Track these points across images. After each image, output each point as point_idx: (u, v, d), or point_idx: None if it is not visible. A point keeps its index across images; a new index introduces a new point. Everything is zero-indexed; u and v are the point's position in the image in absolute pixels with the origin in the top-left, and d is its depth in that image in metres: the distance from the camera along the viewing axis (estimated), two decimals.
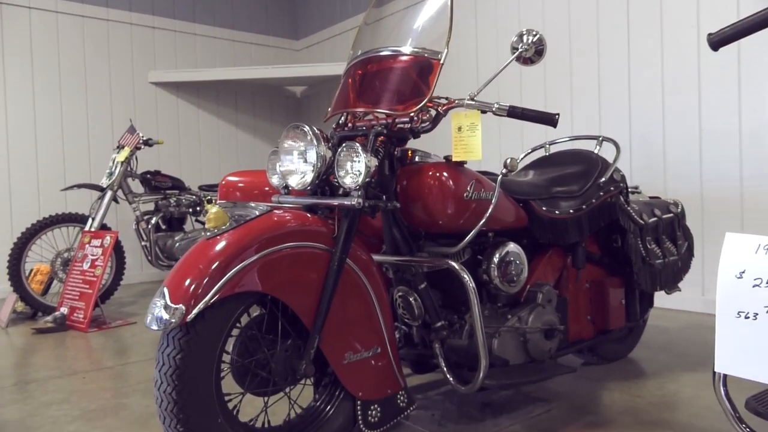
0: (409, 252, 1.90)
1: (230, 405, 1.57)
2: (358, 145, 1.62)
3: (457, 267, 1.78)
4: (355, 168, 1.63)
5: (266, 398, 1.68)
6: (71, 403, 2.38)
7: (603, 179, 2.34)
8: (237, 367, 1.58)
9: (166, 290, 1.43)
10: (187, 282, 1.43)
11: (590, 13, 4.09)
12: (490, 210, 1.87)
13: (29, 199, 5.16)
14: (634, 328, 2.67)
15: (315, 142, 1.65)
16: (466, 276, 1.77)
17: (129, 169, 4.34)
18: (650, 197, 2.75)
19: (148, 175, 4.57)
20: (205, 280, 1.43)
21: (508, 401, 2.21)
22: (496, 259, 1.99)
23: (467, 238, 1.84)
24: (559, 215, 2.21)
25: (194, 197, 4.65)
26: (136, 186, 4.67)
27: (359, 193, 1.64)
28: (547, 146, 2.68)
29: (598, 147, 2.52)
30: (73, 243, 4.23)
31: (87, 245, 3.92)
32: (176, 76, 5.88)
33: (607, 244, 2.49)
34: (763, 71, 3.33)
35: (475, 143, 1.77)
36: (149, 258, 4.44)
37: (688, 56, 3.62)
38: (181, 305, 1.39)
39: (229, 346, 1.56)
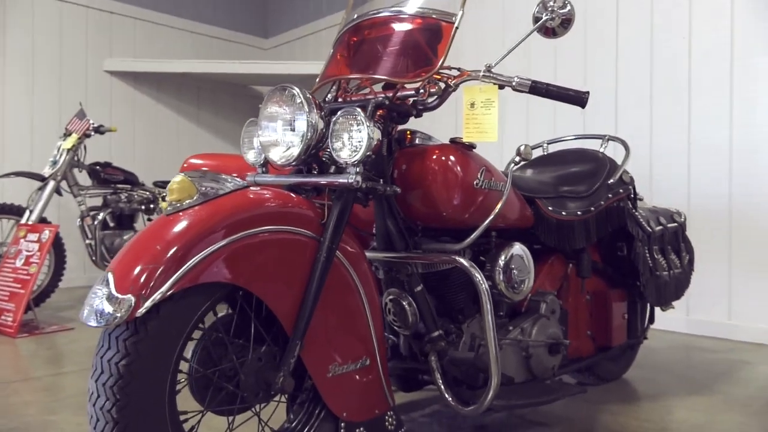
0: (404, 248, 1.63)
1: (186, 426, 1.25)
2: (359, 110, 1.35)
3: (467, 264, 1.51)
4: (355, 139, 1.35)
5: (231, 418, 1.36)
6: None
7: (611, 180, 2.14)
8: (197, 378, 1.26)
9: (110, 276, 1.11)
10: (139, 267, 1.11)
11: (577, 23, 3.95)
12: (501, 202, 1.63)
13: None
14: (634, 346, 2.46)
15: (306, 107, 1.37)
16: (478, 275, 1.50)
17: (76, 158, 3.93)
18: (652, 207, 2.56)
19: (98, 167, 4.16)
20: (162, 266, 1.11)
21: (504, 425, 1.94)
22: (501, 262, 1.74)
23: (475, 233, 1.59)
24: (566, 217, 1.98)
25: (148, 194, 4.26)
26: (83, 178, 4.24)
27: (357, 170, 1.36)
28: (546, 145, 2.47)
29: (603, 146, 2.32)
30: (6, 237, 3.78)
31: (22, 240, 3.49)
32: (134, 65, 5.48)
33: (610, 253, 2.28)
34: (754, 84, 3.23)
35: (490, 122, 1.52)
36: (93, 258, 4.02)
37: (679, 66, 3.51)
38: (129, 296, 1.07)
39: (188, 353, 1.25)
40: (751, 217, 3.26)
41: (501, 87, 1.53)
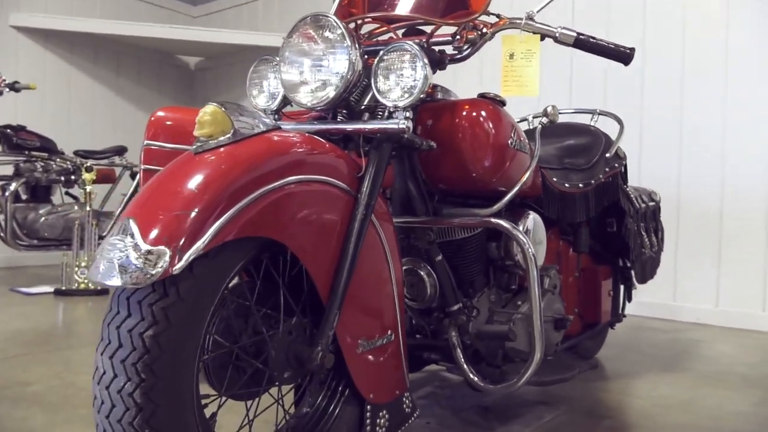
0: (426, 213, 1.48)
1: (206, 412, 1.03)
2: (415, 45, 1.17)
3: (509, 227, 1.39)
4: (406, 79, 1.17)
5: (251, 402, 1.15)
6: None
7: (608, 155, 2.10)
8: (216, 356, 1.05)
9: (133, 224, 0.88)
10: (171, 214, 0.88)
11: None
12: (533, 164, 1.51)
13: None
14: (613, 324, 2.46)
15: (348, 40, 1.17)
16: (523, 239, 1.38)
17: None
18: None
19: (9, 130, 3.64)
20: (199, 214, 0.89)
21: (508, 405, 1.85)
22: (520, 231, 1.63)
23: (508, 195, 1.46)
24: (569, 189, 1.91)
25: (68, 163, 3.80)
26: None
27: (407, 114, 1.18)
28: (530, 119, 2.40)
29: (594, 120, 2.28)
30: None
31: None
32: (45, 22, 4.89)
33: (598, 229, 2.24)
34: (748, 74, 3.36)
35: (531, 75, 1.40)
36: (2, 235, 3.52)
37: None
38: (163, 248, 0.85)
39: None
40: (697, 203, 3.39)
41: (542, 38, 1.41)
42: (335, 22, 1.17)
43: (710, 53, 3.33)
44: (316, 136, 1.15)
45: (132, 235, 0.86)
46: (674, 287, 3.47)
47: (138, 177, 4.41)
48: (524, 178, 1.49)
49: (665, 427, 1.72)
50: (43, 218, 3.56)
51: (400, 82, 1.18)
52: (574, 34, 1.39)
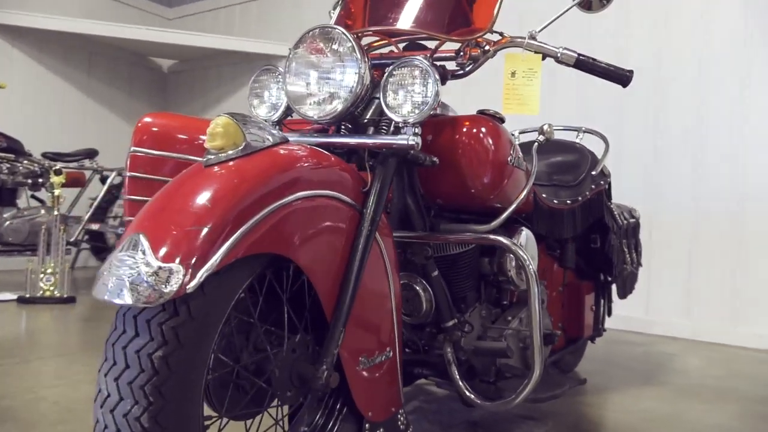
0: (423, 228, 1.47)
1: None
2: (424, 60, 1.17)
3: (509, 243, 1.39)
4: (416, 94, 1.16)
5: (249, 422, 1.12)
6: None
7: (594, 172, 2.13)
8: (217, 375, 1.01)
9: (143, 239, 0.84)
10: (184, 229, 0.85)
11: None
12: (531, 182, 1.52)
13: None
14: (594, 338, 2.48)
15: (357, 53, 1.16)
16: (524, 255, 1.38)
17: None
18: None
19: None
20: (212, 230, 0.86)
21: (496, 421, 1.85)
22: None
23: (506, 212, 1.47)
24: (557, 205, 1.93)
25: (35, 166, 3.67)
26: None
27: (415, 130, 1.18)
28: (517, 135, 2.42)
29: (579, 137, 2.32)
30: None
31: None
32: (14, 18, 4.73)
33: (582, 245, 2.27)
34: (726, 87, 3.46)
35: (532, 94, 1.41)
36: None
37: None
38: (177, 265, 0.81)
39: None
40: (669, 219, 3.48)
41: (543, 57, 1.42)
42: (345, 34, 1.16)
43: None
44: (322, 150, 1.13)
45: (143, 251, 0.82)
46: (647, 301, 3.55)
47: (109, 181, 4.30)
48: (522, 195, 1.50)
49: None
50: (7, 222, 3.43)
51: (410, 97, 1.17)
52: (575, 55, 1.40)
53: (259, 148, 0.99)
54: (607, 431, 1.83)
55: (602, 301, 2.39)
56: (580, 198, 2.02)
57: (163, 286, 0.80)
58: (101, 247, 4.50)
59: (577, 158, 2.14)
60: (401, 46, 1.50)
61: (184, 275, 0.81)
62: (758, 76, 3.25)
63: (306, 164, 1.05)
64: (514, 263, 1.63)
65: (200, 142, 1.85)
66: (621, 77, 1.43)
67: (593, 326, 2.34)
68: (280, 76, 1.31)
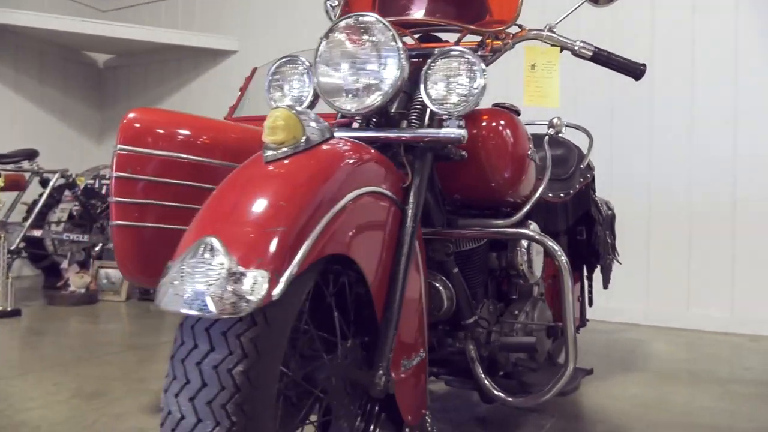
0: (442, 224, 1.44)
1: None
2: (469, 51, 1.13)
3: (540, 238, 1.38)
4: (461, 86, 1.12)
5: None
6: None
7: (582, 165, 2.17)
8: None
9: (218, 243, 0.76)
10: (263, 230, 0.78)
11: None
12: (547, 174, 1.52)
13: None
14: (578, 329, 2.54)
15: (399, 44, 1.10)
16: (556, 248, 1.37)
17: None
18: None
19: None
20: (289, 230, 0.79)
21: (503, 415, 1.85)
22: (525, 242, 1.63)
23: (527, 205, 1.47)
24: (552, 198, 1.95)
25: None
26: None
27: (460, 123, 1.14)
28: None
29: (562, 132, 2.35)
30: None
31: None
32: None
33: (569, 237, 2.31)
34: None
35: (552, 86, 1.41)
36: None
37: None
38: (261, 270, 0.74)
39: None
40: (629, 208, 3.61)
41: (562, 49, 1.42)
42: (385, 24, 1.10)
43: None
44: (366, 145, 1.07)
45: (220, 256, 0.74)
46: (609, 290, 3.67)
47: (51, 184, 3.99)
48: (542, 188, 1.49)
49: (657, 426, 1.79)
50: None
51: (454, 89, 1.13)
52: (593, 48, 1.41)
53: (316, 142, 0.93)
54: (609, 419, 1.87)
55: (584, 292, 2.44)
56: (571, 191, 2.05)
57: (249, 294, 0.72)
58: (40, 255, 4.19)
59: (565, 152, 2.17)
60: (416, 36, 1.45)
61: (269, 281, 0.74)
62: (750, 66, 3.35)
63: (361, 161, 0.99)
64: (525, 257, 1.63)
65: (191, 139, 1.74)
66: (635, 71, 1.45)
67: (579, 317, 2.39)
68: (304, 67, 1.24)
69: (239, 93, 2.40)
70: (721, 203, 3.43)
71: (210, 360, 0.75)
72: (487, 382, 1.45)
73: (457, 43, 1.35)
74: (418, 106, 1.26)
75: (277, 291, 0.74)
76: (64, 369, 2.25)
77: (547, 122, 1.83)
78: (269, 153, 0.89)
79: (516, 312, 1.74)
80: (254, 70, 2.48)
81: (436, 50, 1.16)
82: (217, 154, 1.67)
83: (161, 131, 1.66)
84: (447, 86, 1.13)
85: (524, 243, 1.63)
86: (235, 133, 1.77)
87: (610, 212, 2.48)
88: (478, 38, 1.39)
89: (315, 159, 0.90)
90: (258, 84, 2.43)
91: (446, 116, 1.14)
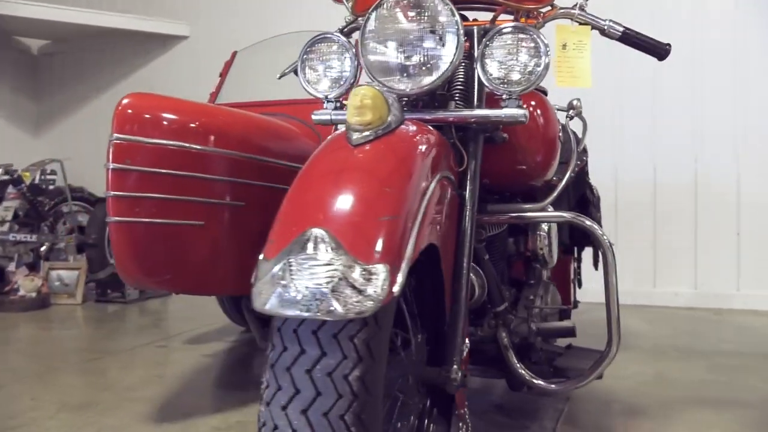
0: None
1: None
2: (532, 27, 1.08)
3: (587, 223, 1.35)
4: (522, 63, 1.07)
5: None
6: None
7: (579, 149, 2.17)
8: None
9: (326, 234, 0.67)
10: (374, 220, 0.70)
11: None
12: (575, 158, 1.50)
13: None
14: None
15: (456, 17, 1.03)
16: (599, 231, 1.35)
17: None
18: None
19: None
20: (400, 219, 0.72)
21: (520, 402, 1.83)
22: (545, 226, 1.61)
23: (559, 188, 1.46)
24: (556, 182, 1.94)
25: None
26: None
27: (520, 102, 1.09)
28: None
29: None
30: None
31: None
32: None
33: None
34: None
35: (584, 66, 1.38)
36: None
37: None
38: (382, 264, 0.66)
39: None
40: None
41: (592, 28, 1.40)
42: None
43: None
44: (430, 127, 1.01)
45: (333, 250, 0.66)
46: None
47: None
48: (570, 171, 1.47)
49: (668, 404, 1.83)
50: None
51: (514, 67, 1.08)
52: (622, 29, 1.39)
53: (397, 124, 0.85)
54: (621, 398, 1.89)
55: (576, 275, 2.47)
56: (572, 174, 2.05)
57: (373, 291, 0.65)
58: None
59: (564, 136, 2.17)
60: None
61: (389, 276, 0.66)
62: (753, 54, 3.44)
63: (434, 144, 0.93)
64: (546, 241, 1.61)
65: (193, 126, 1.60)
66: (660, 51, 1.44)
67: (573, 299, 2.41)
68: (340, 45, 1.15)
69: (219, 78, 2.26)
70: (684, 188, 3.56)
71: (322, 366, 0.67)
72: (523, 370, 1.42)
73: (493, 20, 1.29)
74: (460, 86, 1.20)
75: (397, 287, 0.67)
76: (38, 380, 2.06)
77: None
78: (356, 136, 0.80)
79: (531, 297, 1.72)
80: (234, 53, 2.34)
81: (496, 27, 1.10)
82: (222, 143, 1.56)
83: (160, 118, 1.53)
84: (507, 64, 1.08)
85: (545, 227, 1.62)
86: (241, 120, 1.65)
87: (597, 196, 2.52)
88: (510, 17, 1.35)
89: (402, 142, 0.83)
90: (238, 69, 2.30)
91: (506, 96, 1.09)
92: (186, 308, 3.37)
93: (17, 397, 1.90)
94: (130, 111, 1.49)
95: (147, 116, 1.50)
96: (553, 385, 1.39)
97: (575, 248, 2.44)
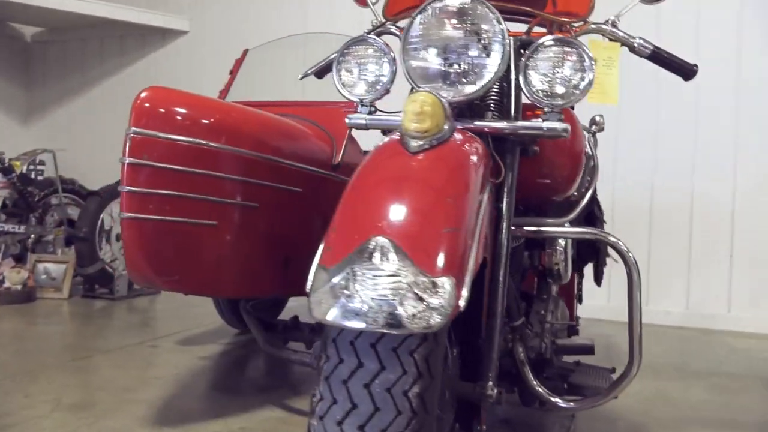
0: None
1: None
2: (579, 41, 1.07)
3: (613, 239, 1.34)
4: (566, 76, 1.06)
5: None
6: None
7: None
8: None
9: (391, 244, 0.65)
10: (439, 231, 0.68)
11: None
12: (598, 171, 1.50)
13: None
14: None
15: (501, 24, 1.02)
16: (624, 247, 1.34)
17: None
18: None
19: None
20: (462, 231, 0.71)
21: (526, 416, 1.82)
22: (562, 242, 1.60)
23: (583, 202, 1.44)
24: (575, 197, 1.94)
25: None
26: None
27: (561, 116, 1.08)
28: None
29: None
30: None
31: None
32: None
33: None
34: None
35: (612, 84, 1.38)
36: None
37: None
38: (449, 278, 0.64)
39: None
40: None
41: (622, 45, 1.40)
42: (488, 7, 1.02)
43: None
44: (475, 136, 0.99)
45: (398, 261, 0.64)
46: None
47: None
48: (593, 187, 1.47)
49: (678, 422, 1.84)
50: None
51: (557, 80, 1.06)
52: (651, 47, 1.39)
53: (451, 133, 0.84)
54: (626, 415, 1.89)
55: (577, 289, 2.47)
56: (594, 191, 2.05)
57: (439, 304, 0.62)
58: None
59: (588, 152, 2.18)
60: None
61: (455, 290, 0.64)
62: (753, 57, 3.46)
63: (482, 155, 0.91)
64: (562, 257, 1.61)
65: (214, 124, 1.56)
66: (687, 71, 1.45)
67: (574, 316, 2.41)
68: (377, 49, 1.13)
69: (229, 76, 2.22)
70: (679, 208, 3.60)
71: (381, 381, 0.65)
72: (539, 388, 1.40)
73: (528, 32, 1.29)
74: (495, 96, 1.19)
75: (462, 301, 0.65)
76: (30, 378, 2.00)
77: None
78: (414, 144, 0.78)
79: (542, 311, 1.71)
80: (245, 51, 2.31)
81: (538, 38, 1.09)
82: (241, 142, 1.52)
83: (180, 114, 1.49)
84: (551, 77, 1.07)
85: (562, 242, 1.61)
86: (259, 120, 1.62)
87: (602, 212, 2.53)
88: (542, 30, 1.34)
89: (456, 152, 0.81)
90: (248, 67, 2.27)
91: (548, 108, 1.07)
92: (175, 308, 3.30)
93: (10, 394, 1.83)
94: (148, 105, 1.45)
95: (166, 111, 1.47)
96: (571, 403, 1.37)
97: (579, 264, 2.45)
